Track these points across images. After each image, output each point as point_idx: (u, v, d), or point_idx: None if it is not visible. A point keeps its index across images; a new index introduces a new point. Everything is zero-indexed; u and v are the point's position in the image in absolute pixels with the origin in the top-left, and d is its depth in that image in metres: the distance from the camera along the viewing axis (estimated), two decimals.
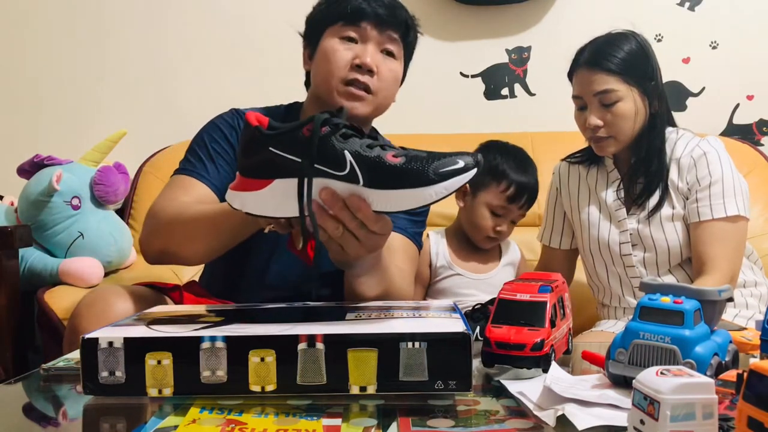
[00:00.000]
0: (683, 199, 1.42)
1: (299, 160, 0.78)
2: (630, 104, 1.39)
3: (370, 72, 1.17)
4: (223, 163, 1.21)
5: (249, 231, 1.03)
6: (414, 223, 1.27)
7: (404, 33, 1.23)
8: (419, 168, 0.76)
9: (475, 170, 0.77)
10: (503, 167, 1.52)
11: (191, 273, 1.78)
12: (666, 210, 1.42)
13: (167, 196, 1.16)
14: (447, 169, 0.76)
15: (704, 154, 1.40)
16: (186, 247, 1.09)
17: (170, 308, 0.95)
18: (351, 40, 1.19)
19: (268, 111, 1.30)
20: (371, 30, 1.19)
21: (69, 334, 1.08)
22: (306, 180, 0.77)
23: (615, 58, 1.39)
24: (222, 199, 1.16)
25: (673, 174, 1.42)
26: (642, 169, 1.44)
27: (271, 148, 0.78)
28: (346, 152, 0.77)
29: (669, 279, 1.44)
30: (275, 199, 0.80)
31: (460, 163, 0.76)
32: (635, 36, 1.43)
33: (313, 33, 1.25)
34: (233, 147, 1.23)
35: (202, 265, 1.37)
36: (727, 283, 1.25)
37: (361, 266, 1.00)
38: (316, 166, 0.78)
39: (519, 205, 1.54)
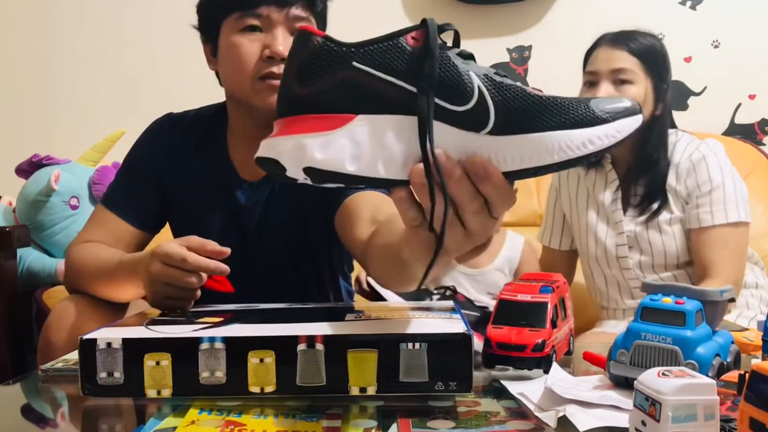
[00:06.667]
0: (682, 203, 1.41)
1: (407, 85, 0.52)
2: (641, 91, 1.41)
3: (283, 60, 0.97)
4: (141, 188, 1.17)
5: (132, 294, 1.03)
6: None
7: (310, 4, 1.06)
8: (578, 102, 0.52)
9: (641, 115, 0.54)
10: None
11: None
12: (664, 215, 1.41)
13: (83, 235, 1.16)
14: (615, 105, 0.52)
15: (703, 157, 1.40)
16: (96, 293, 1.07)
17: None
18: (254, 29, 1.04)
19: (198, 112, 1.25)
20: (273, 13, 1.03)
21: (42, 345, 1.05)
22: (427, 117, 0.51)
23: (640, 43, 1.43)
24: (143, 229, 1.16)
25: (671, 178, 1.42)
26: (642, 172, 1.44)
27: (356, 64, 0.52)
28: (472, 74, 0.54)
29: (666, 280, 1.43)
30: (359, 147, 0.52)
31: (627, 103, 0.53)
32: (657, 38, 1.49)
33: (209, 26, 1.10)
34: (156, 160, 1.17)
35: None
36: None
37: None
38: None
39: None
